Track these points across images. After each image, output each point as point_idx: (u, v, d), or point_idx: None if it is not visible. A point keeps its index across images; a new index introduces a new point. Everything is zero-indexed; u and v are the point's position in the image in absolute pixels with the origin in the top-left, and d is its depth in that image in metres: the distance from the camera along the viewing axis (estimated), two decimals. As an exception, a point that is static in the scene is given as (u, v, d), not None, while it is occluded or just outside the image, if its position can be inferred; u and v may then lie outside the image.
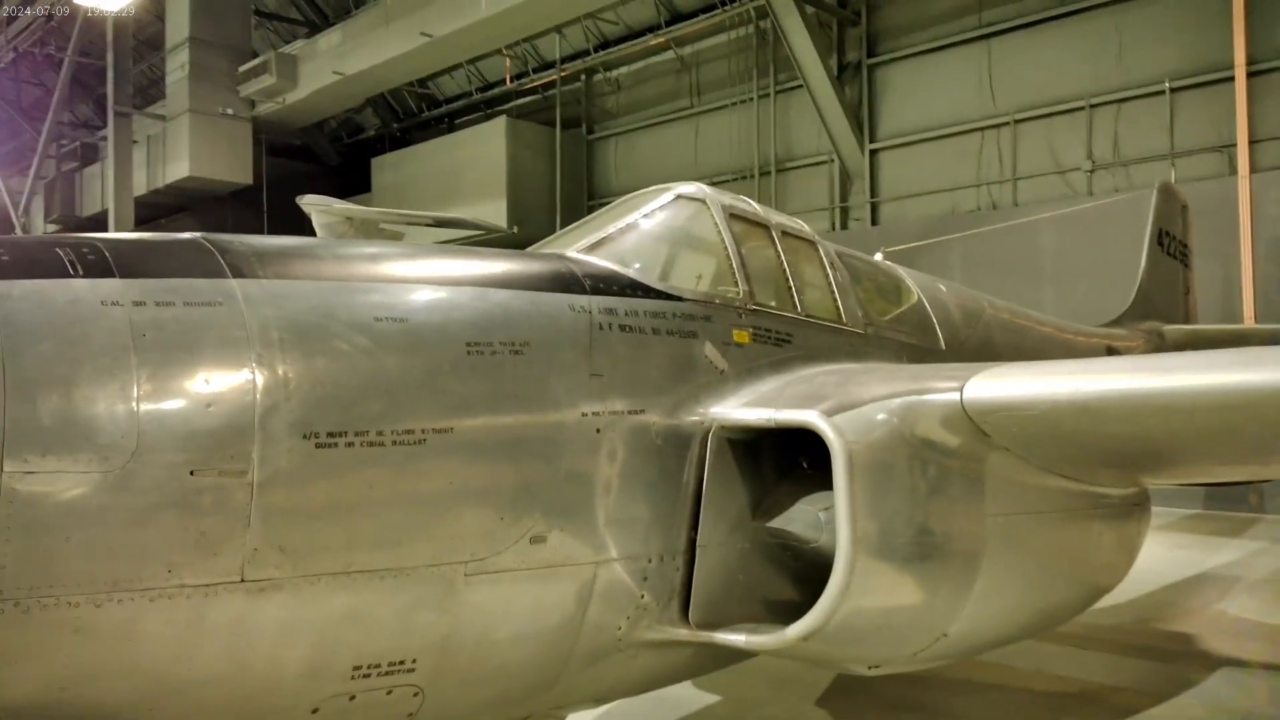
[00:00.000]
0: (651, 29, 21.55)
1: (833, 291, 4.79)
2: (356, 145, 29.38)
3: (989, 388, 3.58)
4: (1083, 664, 6.17)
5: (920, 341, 5.38)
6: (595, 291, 3.49)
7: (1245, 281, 13.29)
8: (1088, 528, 4.64)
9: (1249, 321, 13.06)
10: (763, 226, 4.55)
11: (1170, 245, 10.86)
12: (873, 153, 18.27)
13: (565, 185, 22.98)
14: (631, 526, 3.43)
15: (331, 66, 22.21)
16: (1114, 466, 4.34)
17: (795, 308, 4.42)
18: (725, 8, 19.91)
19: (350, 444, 2.62)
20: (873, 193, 18.26)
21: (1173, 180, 13.07)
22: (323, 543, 2.62)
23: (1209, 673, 5.91)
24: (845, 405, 3.60)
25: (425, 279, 3.09)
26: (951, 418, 3.63)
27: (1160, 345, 9.33)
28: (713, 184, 17.58)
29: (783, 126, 19.89)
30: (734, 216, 4.37)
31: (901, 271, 5.83)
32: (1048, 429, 3.62)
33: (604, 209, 4.41)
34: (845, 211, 18.79)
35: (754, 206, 4.60)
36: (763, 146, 20.04)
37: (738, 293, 4.10)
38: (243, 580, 2.50)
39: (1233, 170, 13.72)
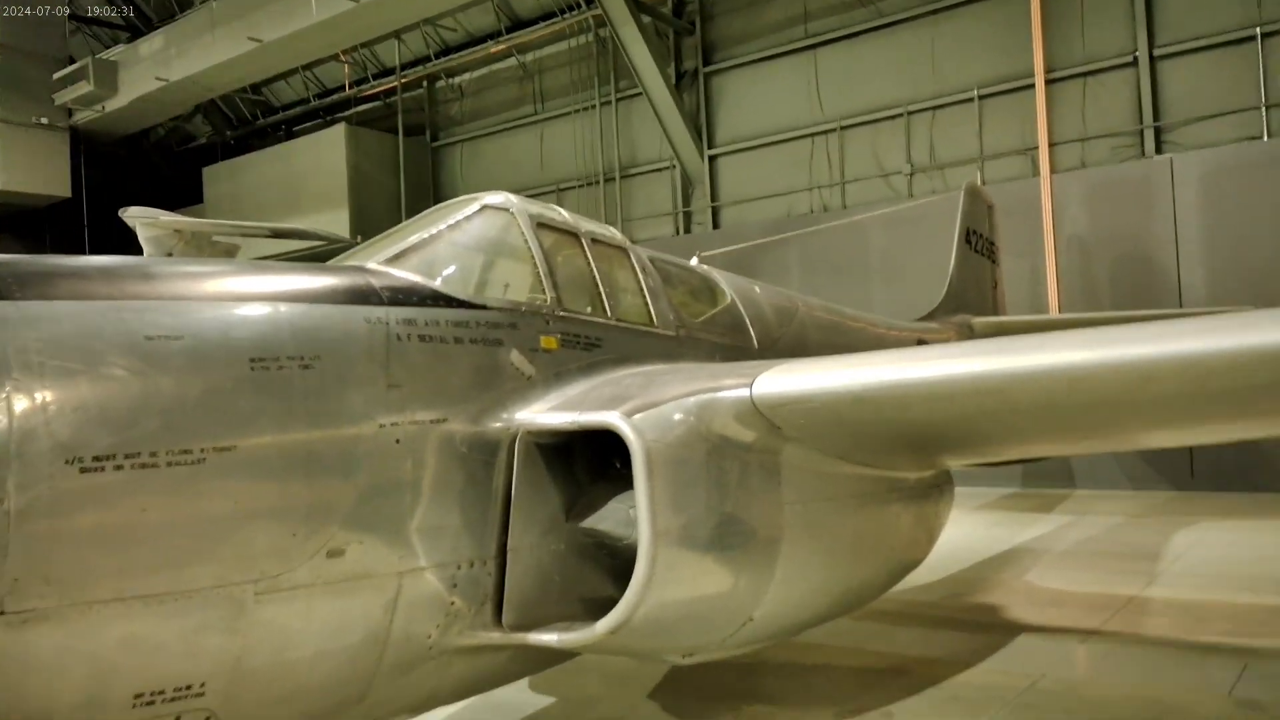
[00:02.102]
0: (492, 36, 21.52)
1: (644, 296, 4.95)
2: (188, 154, 28.03)
3: (775, 383, 3.79)
4: (898, 639, 6.56)
5: (734, 342, 5.62)
6: (394, 303, 3.51)
7: (1049, 275, 14.39)
8: (886, 510, 4.96)
9: (1053, 312, 14.15)
10: (572, 235, 4.66)
11: (978, 243, 11.65)
12: (712, 158, 18.79)
13: (410, 194, 22.63)
14: (438, 534, 3.47)
15: (154, 72, 21.18)
16: (903, 451, 4.65)
17: (605, 313, 4.55)
18: (564, 16, 20.08)
19: (120, 467, 2.56)
20: (713, 197, 18.78)
21: (980, 182, 14.00)
22: (93, 569, 2.55)
23: (1012, 639, 6.39)
24: (645, 405, 3.75)
25: (207, 295, 3.04)
26: (743, 413, 3.82)
27: (970, 336, 10.01)
28: (559, 190, 17.81)
29: (625, 133, 20.21)
30: (541, 225, 4.46)
31: (716, 275, 6.07)
32: (830, 419, 3.86)
33: (412, 220, 4.42)
34: (688, 216, 19.25)
35: (563, 215, 4.71)
36: (606, 153, 20.31)
37: (545, 300, 4.20)
38: (2, 613, 2.41)
39: (1036, 171, 14.83)
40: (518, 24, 21.30)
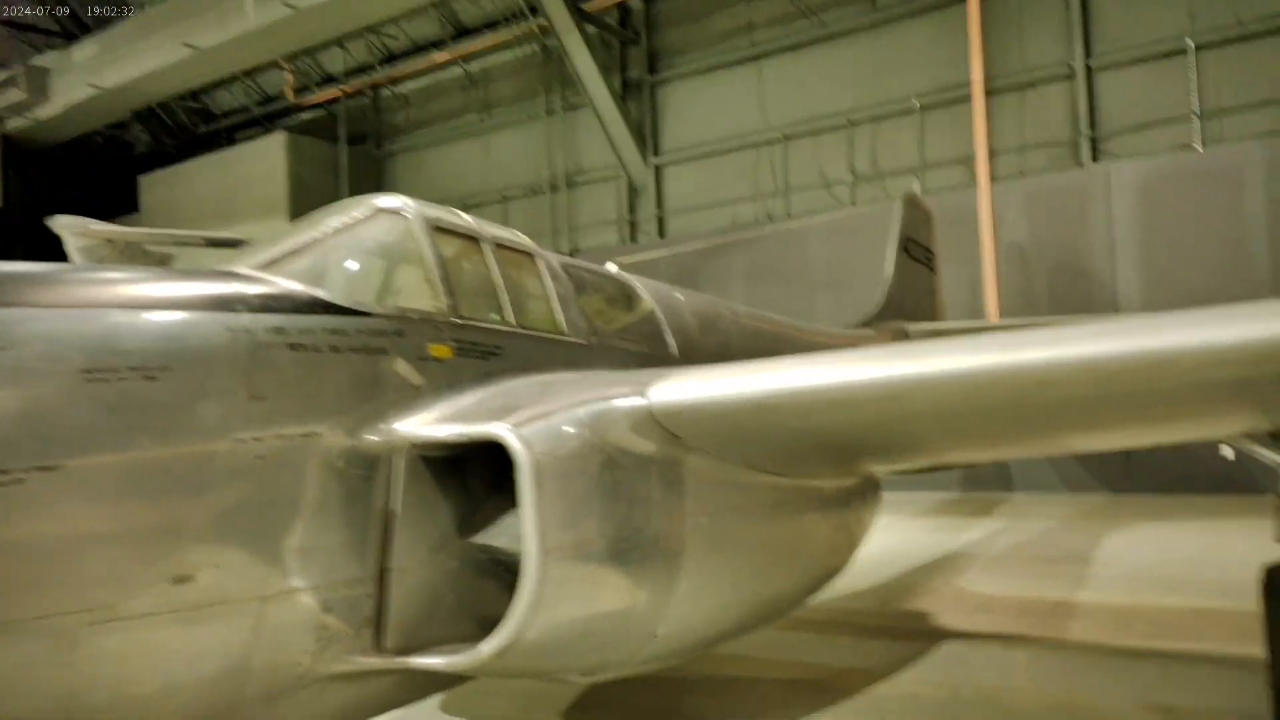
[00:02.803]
0: (437, 44, 21.30)
1: (552, 303, 4.81)
2: (127, 163, 27.37)
3: (672, 391, 3.66)
4: (824, 649, 6.46)
5: (651, 350, 5.49)
6: (261, 310, 3.33)
7: (988, 283, 14.49)
8: (802, 519, 4.85)
9: (993, 318, 14.24)
10: (473, 240, 4.51)
11: (916, 251, 11.68)
12: (658, 168, 18.73)
13: (354, 203, 22.22)
14: (308, 555, 3.28)
15: (87, 79, 20.70)
16: (817, 459, 4.55)
17: (508, 320, 4.39)
18: (510, 24, 19.93)
19: (-74, 488, 2.36)
20: (659, 206, 18.71)
21: (921, 191, 14.07)
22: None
23: (937, 646, 6.32)
24: (536, 416, 3.60)
25: (41, 302, 2.83)
26: (640, 423, 3.69)
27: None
28: (505, 200, 17.61)
29: (571, 142, 20.08)
30: (439, 230, 4.30)
31: (636, 282, 5.94)
32: (729, 428, 3.74)
33: (301, 222, 4.23)
34: (634, 225, 19.15)
35: (464, 220, 4.55)
36: (553, 162, 20.16)
37: (438, 307, 4.03)
38: None
39: (975, 181, 14.94)
40: (463, 32, 21.11)
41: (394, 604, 3.56)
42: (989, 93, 15.02)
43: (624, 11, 19.14)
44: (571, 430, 3.58)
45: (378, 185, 23.09)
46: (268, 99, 24.78)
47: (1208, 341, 2.85)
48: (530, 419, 3.57)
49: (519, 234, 4.96)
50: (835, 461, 4.71)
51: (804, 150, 17.02)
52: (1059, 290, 14.11)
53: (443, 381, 3.90)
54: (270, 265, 3.71)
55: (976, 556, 9.55)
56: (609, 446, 3.65)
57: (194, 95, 25.54)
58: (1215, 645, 5.95)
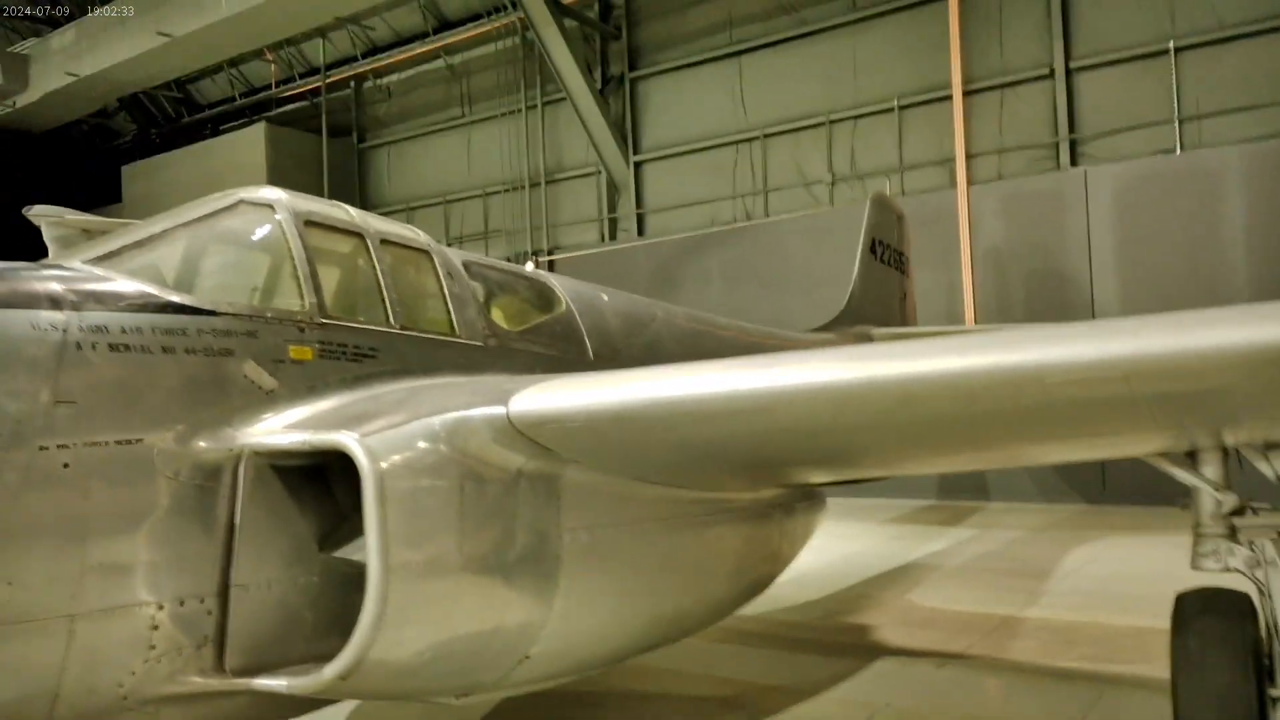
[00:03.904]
0: (420, 36, 21.10)
1: (446, 302, 4.58)
2: (112, 152, 27.20)
3: (535, 401, 3.44)
4: (753, 663, 6.24)
5: (561, 353, 5.25)
6: (81, 307, 3.11)
7: (966, 287, 14.25)
8: (707, 534, 4.63)
9: (969, 323, 14.00)
10: (354, 235, 4.28)
11: (884, 253, 11.44)
12: (638, 165, 18.50)
13: (334, 195, 21.95)
14: (131, 570, 3.08)
15: (65, 67, 20.50)
16: (716, 471, 4.32)
17: (388, 320, 4.17)
18: (491, 18, 19.71)
19: None
20: (639, 204, 18.48)
21: (893, 191, 13.83)
22: None
23: (870, 664, 6.10)
24: (391, 425, 3.38)
25: None
26: (502, 434, 3.46)
27: (865, 348, 9.74)
28: (486, 195, 17.42)
29: (552, 138, 19.86)
30: (312, 224, 4.07)
31: (554, 281, 5.71)
32: (594, 439, 3.52)
33: (161, 215, 4.01)
34: (614, 222, 18.93)
35: (347, 214, 4.33)
36: (533, 158, 19.94)
37: (303, 305, 3.81)
38: None
39: (954, 183, 14.70)
40: (445, 25, 20.90)
41: (237, 622, 3.34)
42: (968, 93, 14.77)
43: (605, 6, 18.90)
44: (425, 441, 3.36)
45: (358, 178, 22.92)
46: (252, 90, 24.59)
47: (1069, 358, 2.62)
48: (382, 428, 3.36)
49: (415, 230, 4.74)
50: (739, 473, 4.49)
51: (783, 149, 16.78)
52: (1036, 294, 13.86)
53: (303, 386, 3.69)
54: (108, 258, 3.50)
55: (935, 568, 9.32)
56: (468, 458, 3.44)
57: (179, 85, 25.38)
58: (1154, 670, 5.71)
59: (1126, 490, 12.65)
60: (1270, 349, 2.48)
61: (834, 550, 10.26)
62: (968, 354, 2.80)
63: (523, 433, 3.48)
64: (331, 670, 3.23)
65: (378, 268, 4.26)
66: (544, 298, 5.53)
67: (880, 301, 11.19)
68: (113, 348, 3.10)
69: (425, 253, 4.64)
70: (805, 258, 15.58)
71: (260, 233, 3.95)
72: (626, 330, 6.01)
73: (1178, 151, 13.35)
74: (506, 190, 20.33)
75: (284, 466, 3.51)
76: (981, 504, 13.72)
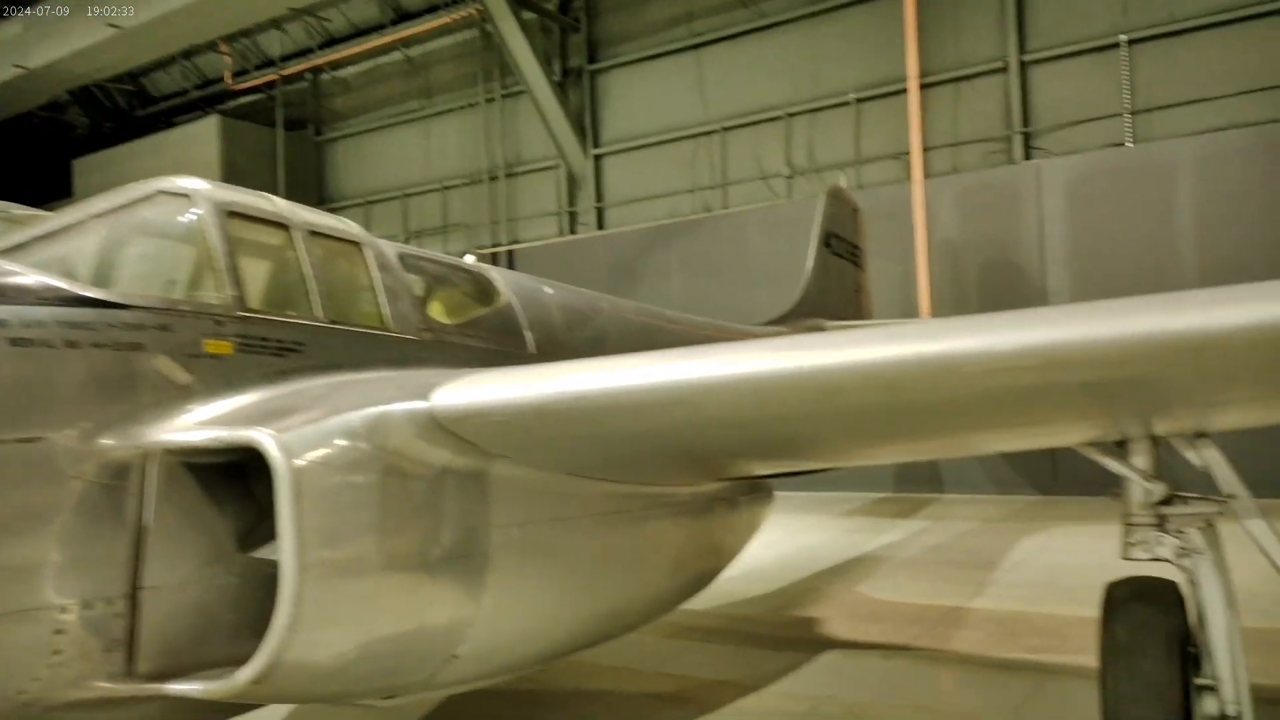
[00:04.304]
0: (378, 28, 20.84)
1: (378, 295, 4.48)
2: (63, 146, 26.60)
3: (458, 395, 3.36)
4: (699, 658, 6.21)
5: (500, 346, 5.18)
6: (-23, 300, 2.99)
7: (921, 279, 14.32)
8: (646, 528, 4.58)
9: (925, 316, 14.07)
10: (279, 226, 4.17)
11: (838, 246, 11.45)
12: (597, 158, 18.40)
13: (292, 189, 21.74)
14: (31, 572, 2.97)
15: (12, 59, 19.99)
16: (653, 465, 4.27)
17: (313, 313, 4.07)
18: (450, 9, 19.51)
19: None
20: (599, 198, 18.39)
21: (851, 185, 13.85)
22: None
23: (816, 657, 6.09)
24: (308, 420, 3.29)
25: None
26: (425, 428, 3.39)
27: (819, 341, 9.75)
28: (445, 189, 17.26)
29: (511, 131, 19.72)
30: (234, 214, 3.96)
31: (494, 274, 5.62)
32: (520, 434, 3.45)
33: (75, 205, 3.89)
34: (573, 216, 18.83)
35: (272, 204, 4.22)
36: (492, 151, 19.78)
37: (222, 298, 3.70)
38: None
39: (909, 176, 14.76)
40: (404, 16, 20.66)
41: (149, 625, 3.24)
42: (924, 86, 14.83)
43: (565, -2, 18.80)
44: (343, 436, 3.27)
45: (316, 171, 22.62)
46: (207, 82, 24.17)
47: (986, 348, 2.60)
48: (299, 423, 3.27)
49: (346, 222, 4.64)
50: (676, 467, 4.44)
51: (742, 142, 16.78)
52: (990, 286, 13.96)
53: (220, 381, 3.58)
54: (15, 251, 3.37)
55: (886, 560, 9.36)
56: (388, 454, 3.35)
57: (132, 77, 24.89)
58: (1094, 660, 5.75)
59: (1077, 481, 12.77)
60: (1183, 337, 2.46)
61: (788, 543, 10.27)
62: (887, 344, 2.77)
63: (447, 428, 3.41)
64: (245, 674, 3.14)
65: (304, 259, 4.16)
66: (483, 291, 5.45)
67: (835, 294, 11.20)
68: (13, 343, 2.99)
69: (356, 245, 4.54)
70: (765, 250, 15.58)
71: (177, 223, 3.84)
72: (570, 323, 5.94)
73: (1130, 144, 13.50)
74: (465, 184, 20.16)
75: (200, 465, 3.41)
76: (936, 496, 13.82)
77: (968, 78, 14.69)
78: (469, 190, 20.14)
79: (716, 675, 5.79)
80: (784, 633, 6.83)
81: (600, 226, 18.28)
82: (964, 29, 14.73)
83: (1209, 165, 12.59)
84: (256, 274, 3.96)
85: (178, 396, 3.42)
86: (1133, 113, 13.62)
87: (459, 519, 3.56)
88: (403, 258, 4.87)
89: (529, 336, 5.46)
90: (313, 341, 4.00)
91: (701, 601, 7.47)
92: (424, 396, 3.38)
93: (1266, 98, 12.62)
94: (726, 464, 4.51)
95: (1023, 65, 14.28)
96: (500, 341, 5.21)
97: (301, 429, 3.22)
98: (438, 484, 3.49)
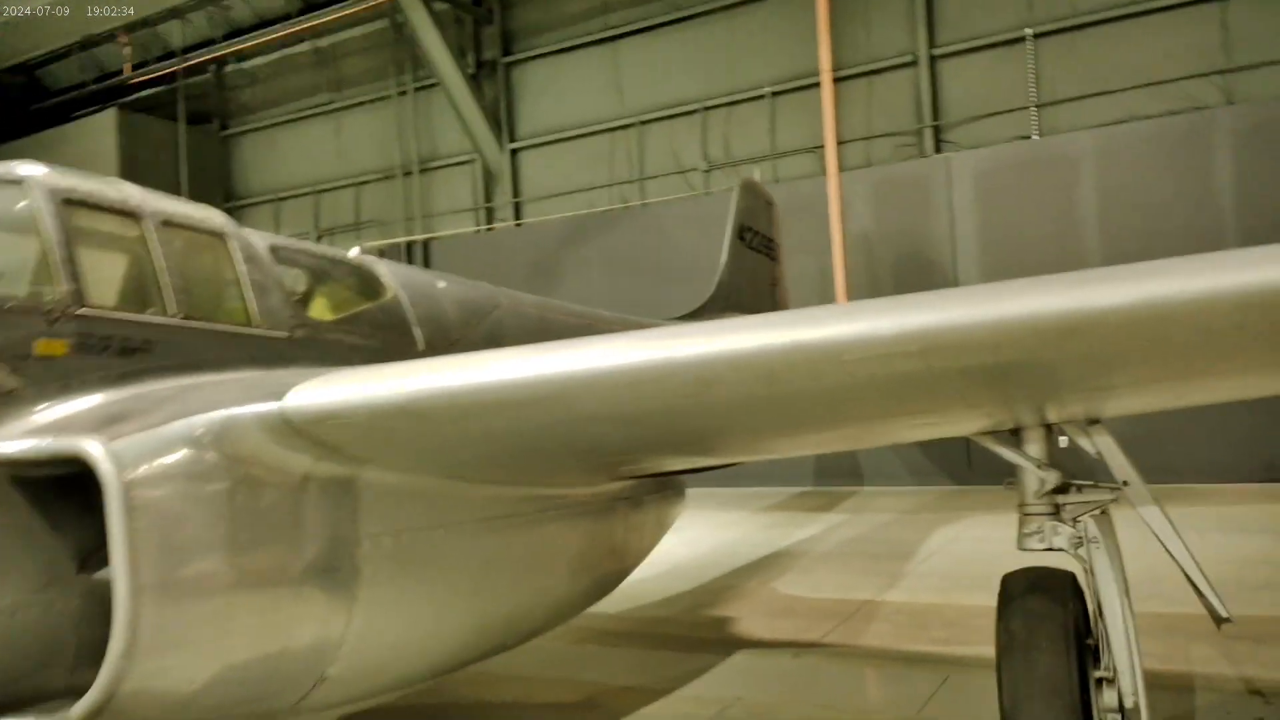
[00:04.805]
0: (285, 18, 20.14)
1: (242, 289, 4.18)
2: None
3: (314, 395, 3.10)
4: (610, 663, 6.03)
5: (383, 343, 4.89)
6: None
7: (837, 272, 14.35)
8: (538, 532, 4.37)
9: (842, 309, 14.08)
10: (128, 215, 3.84)
11: (753, 239, 11.36)
12: (514, 152, 18.08)
13: (196, 185, 20.93)
14: None
15: (-114, 47, 18.80)
16: (541, 466, 4.06)
17: (166, 309, 3.76)
18: (359, -1, 18.96)
19: None
20: (516, 193, 18.07)
21: (766, 179, 13.81)
22: None
23: (727, 657, 5.95)
24: (145, 427, 3.00)
25: None
26: (278, 432, 3.11)
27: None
28: (358, 184, 16.71)
29: (425, 125, 19.27)
30: (73, 202, 3.63)
31: (380, 267, 5.33)
32: (388, 435, 3.21)
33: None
34: (490, 212, 18.48)
35: (119, 192, 3.88)
36: (405, 146, 19.31)
37: (54, 294, 3.37)
38: None
39: (823, 170, 14.79)
40: (312, 6, 20.00)
41: (-31, 655, 2.93)
42: (838, 80, 14.86)
43: (478, -12, 18.42)
44: (184, 444, 2.99)
45: (222, 167, 21.83)
46: (106, 75, 23.11)
47: (864, 333, 2.45)
48: (134, 430, 2.98)
49: (210, 210, 4.31)
50: (566, 466, 4.23)
51: (659, 136, 16.64)
52: (904, 279, 14.06)
53: (54, 386, 3.27)
54: None
55: (803, 554, 9.30)
56: (238, 462, 3.08)
57: (25, 70, 23.70)
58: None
59: (991, 470, 12.88)
60: (1058, 318, 2.35)
61: (706, 541, 10.17)
62: (764, 332, 2.60)
63: (302, 431, 3.14)
64: (80, 707, 2.86)
65: (156, 251, 3.84)
66: (367, 285, 5.16)
67: (750, 288, 11.11)
68: None
69: (219, 235, 4.22)
70: (683, 244, 15.45)
71: (8, 213, 3.50)
72: (464, 319, 5.69)
73: (1036, 137, 13.72)
74: (379, 179, 19.64)
75: (30, 478, 3.09)
76: (856, 489, 13.88)
77: (879, 71, 14.78)
78: (383, 186, 19.64)
79: (625, 681, 5.61)
80: (697, 633, 6.68)
81: (517, 222, 17.97)
82: (875, 23, 14.82)
83: (1110, 157, 12.86)
84: (100, 267, 3.63)
85: (1, 403, 3.10)
86: (1038, 106, 13.84)
87: (322, 530, 3.31)
88: (275, 250, 4.56)
89: (418, 333, 5.19)
90: (164, 341, 3.69)
91: (613, 603, 7.30)
92: (276, 398, 3.10)
93: (1164, 90, 12.94)
94: (622, 462, 4.32)
95: (932, 59, 14.41)
96: (385, 339, 4.93)
97: (135, 437, 2.94)
98: (296, 493, 3.23)
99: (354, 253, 5.42)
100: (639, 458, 4.08)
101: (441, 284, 5.78)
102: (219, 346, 3.93)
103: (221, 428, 3.06)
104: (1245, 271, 2.26)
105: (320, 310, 4.74)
